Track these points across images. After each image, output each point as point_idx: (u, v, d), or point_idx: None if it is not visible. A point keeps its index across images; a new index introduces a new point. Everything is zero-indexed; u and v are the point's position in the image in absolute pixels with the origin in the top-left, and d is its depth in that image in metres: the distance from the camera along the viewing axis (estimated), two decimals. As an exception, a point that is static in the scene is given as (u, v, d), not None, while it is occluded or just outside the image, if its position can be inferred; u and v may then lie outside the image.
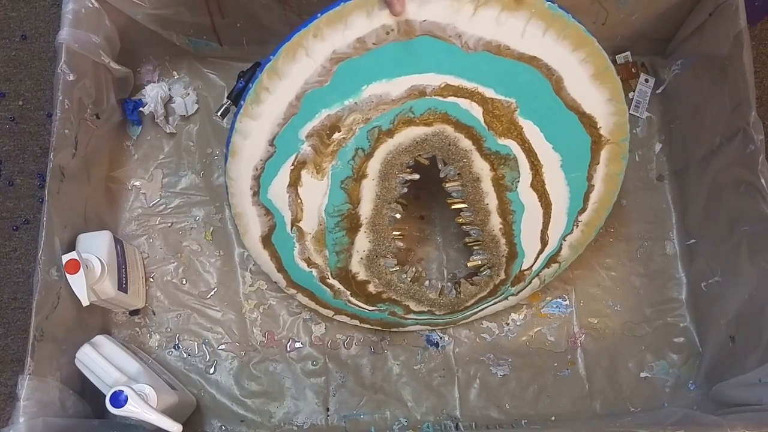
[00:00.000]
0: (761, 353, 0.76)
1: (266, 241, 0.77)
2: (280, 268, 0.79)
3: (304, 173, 0.71)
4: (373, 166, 0.71)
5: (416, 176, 0.73)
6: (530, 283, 0.83)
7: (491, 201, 0.75)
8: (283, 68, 0.65)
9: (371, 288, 0.79)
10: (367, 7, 0.62)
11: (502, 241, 0.78)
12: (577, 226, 0.79)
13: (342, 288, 0.79)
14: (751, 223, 0.78)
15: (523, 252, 0.79)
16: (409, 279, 0.79)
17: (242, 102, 0.67)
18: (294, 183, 0.71)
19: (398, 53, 0.65)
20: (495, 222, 0.76)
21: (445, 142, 0.71)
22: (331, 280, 0.79)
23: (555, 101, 0.70)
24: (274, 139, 0.69)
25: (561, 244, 0.80)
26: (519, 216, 0.76)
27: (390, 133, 0.69)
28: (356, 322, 0.84)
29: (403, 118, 0.68)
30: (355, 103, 0.67)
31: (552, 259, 0.81)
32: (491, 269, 0.80)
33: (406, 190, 0.74)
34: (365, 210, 0.74)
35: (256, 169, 0.71)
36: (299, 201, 0.72)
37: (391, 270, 0.78)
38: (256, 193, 0.73)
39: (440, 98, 0.68)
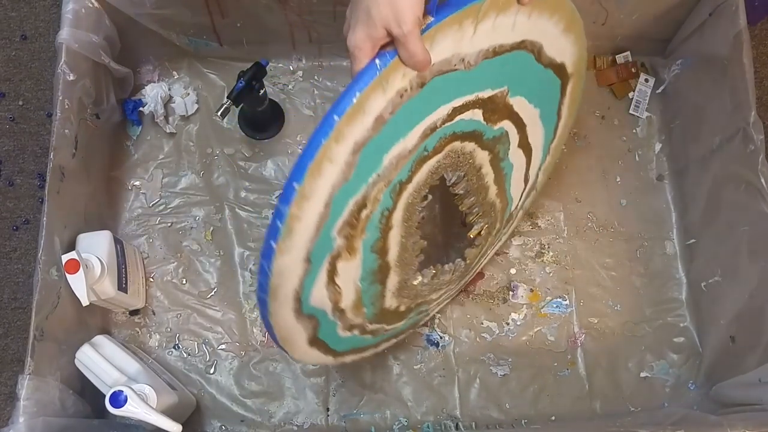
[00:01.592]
0: (761, 353, 0.76)
1: (313, 340, 0.71)
2: (328, 351, 0.75)
3: (339, 264, 0.66)
4: (397, 217, 0.68)
5: (429, 197, 0.72)
6: (516, 216, 0.86)
7: (489, 178, 0.76)
8: (310, 189, 0.58)
9: (402, 308, 0.78)
10: (382, 84, 0.56)
11: (497, 201, 0.79)
12: (549, 153, 0.83)
13: (379, 326, 0.77)
14: (751, 223, 0.78)
15: (511, 198, 0.81)
16: (430, 278, 0.78)
17: (273, 243, 0.60)
18: (331, 277, 0.66)
19: (413, 108, 0.61)
20: (492, 191, 0.77)
21: (453, 157, 0.70)
22: (370, 327, 0.76)
23: (536, 67, 0.70)
24: (309, 256, 0.63)
25: (537, 175, 0.83)
26: (510, 175, 0.78)
27: (409, 180, 0.67)
28: (393, 340, 0.83)
29: (419, 160, 0.66)
30: (378, 175, 0.63)
31: (531, 189, 0.85)
32: (488, 227, 0.80)
33: (423, 214, 0.72)
34: (393, 255, 0.71)
35: (296, 292, 0.65)
36: (337, 289, 0.68)
37: (415, 283, 0.77)
38: (298, 310, 0.67)
39: (448, 124, 0.66)
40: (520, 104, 0.72)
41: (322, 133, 0.56)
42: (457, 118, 0.67)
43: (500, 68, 0.67)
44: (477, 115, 0.69)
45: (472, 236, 0.81)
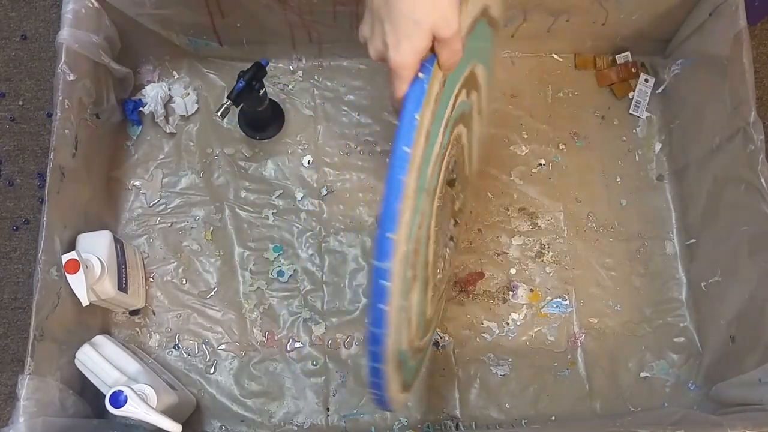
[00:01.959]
0: (761, 353, 0.76)
1: (403, 386, 0.68)
2: (405, 389, 0.70)
3: (410, 297, 0.62)
4: (433, 226, 0.65)
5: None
6: (471, 179, 0.87)
7: (466, 152, 0.76)
8: (400, 234, 0.54)
9: (433, 313, 0.76)
10: (428, 97, 0.53)
11: (467, 172, 0.79)
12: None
13: (422, 341, 0.74)
14: (751, 223, 0.78)
15: (473, 163, 0.82)
16: (442, 272, 0.77)
17: (383, 306, 0.55)
18: (407, 314, 0.62)
19: (440, 110, 0.59)
20: (467, 165, 0.77)
21: (456, 145, 0.69)
22: (421, 345, 0.73)
23: (486, 30, 0.69)
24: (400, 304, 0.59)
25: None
26: (472, 142, 0.78)
27: (437, 183, 0.64)
28: (429, 351, 0.81)
29: (440, 159, 0.64)
30: (426, 191, 0.60)
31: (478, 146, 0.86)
32: (465, 200, 0.80)
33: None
34: (431, 266, 0.68)
35: (396, 345, 0.60)
36: (410, 324, 0.64)
37: (437, 282, 0.75)
38: (398, 363, 0.63)
39: (452, 113, 0.65)
40: (480, 72, 0.71)
41: (399, 170, 0.52)
42: (457, 104, 0.66)
43: (473, 41, 0.65)
44: (463, 95, 0.68)
45: (455, 216, 0.80)
